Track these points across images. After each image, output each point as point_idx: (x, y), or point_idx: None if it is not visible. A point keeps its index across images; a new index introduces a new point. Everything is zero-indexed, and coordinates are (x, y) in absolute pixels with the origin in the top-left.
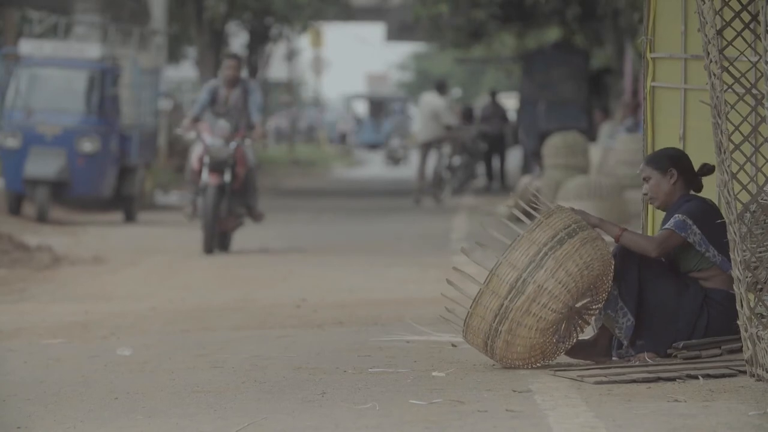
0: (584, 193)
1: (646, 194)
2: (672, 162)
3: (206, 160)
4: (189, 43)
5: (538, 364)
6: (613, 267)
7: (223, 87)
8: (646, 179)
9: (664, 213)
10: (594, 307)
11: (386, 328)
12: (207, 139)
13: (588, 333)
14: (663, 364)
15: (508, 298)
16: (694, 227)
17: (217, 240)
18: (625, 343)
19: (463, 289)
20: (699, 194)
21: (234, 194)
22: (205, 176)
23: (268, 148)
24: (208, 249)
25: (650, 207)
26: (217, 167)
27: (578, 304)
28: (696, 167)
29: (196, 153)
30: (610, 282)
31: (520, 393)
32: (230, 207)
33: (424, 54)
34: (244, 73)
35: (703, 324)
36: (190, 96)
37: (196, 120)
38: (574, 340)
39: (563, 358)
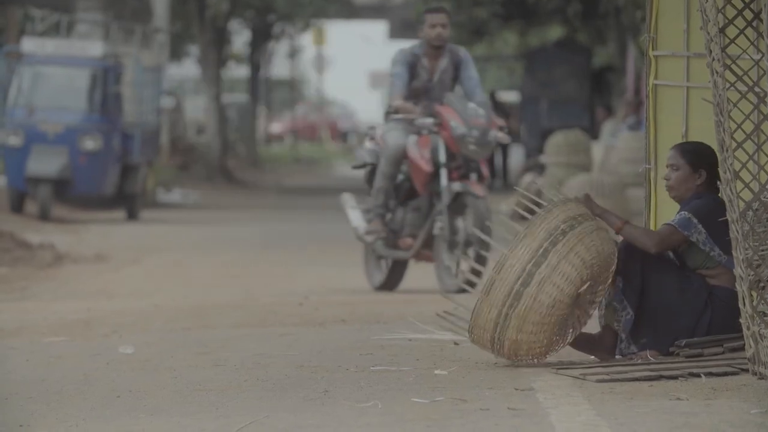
0: (586, 191)
1: (667, 180)
2: (706, 164)
3: (443, 158)
4: (191, 41)
5: (543, 358)
6: (615, 259)
7: (424, 56)
8: (673, 167)
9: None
10: (596, 300)
11: (388, 326)
12: (458, 128)
13: (593, 328)
14: (665, 363)
15: (506, 305)
16: (699, 226)
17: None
18: (623, 336)
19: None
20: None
21: None
22: (446, 181)
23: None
24: (460, 287)
25: (653, 205)
26: (467, 170)
27: (580, 290)
28: None
29: (421, 149)
30: (610, 273)
31: (522, 391)
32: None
33: None
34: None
35: (706, 321)
36: (192, 94)
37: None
38: (577, 333)
39: (565, 356)
